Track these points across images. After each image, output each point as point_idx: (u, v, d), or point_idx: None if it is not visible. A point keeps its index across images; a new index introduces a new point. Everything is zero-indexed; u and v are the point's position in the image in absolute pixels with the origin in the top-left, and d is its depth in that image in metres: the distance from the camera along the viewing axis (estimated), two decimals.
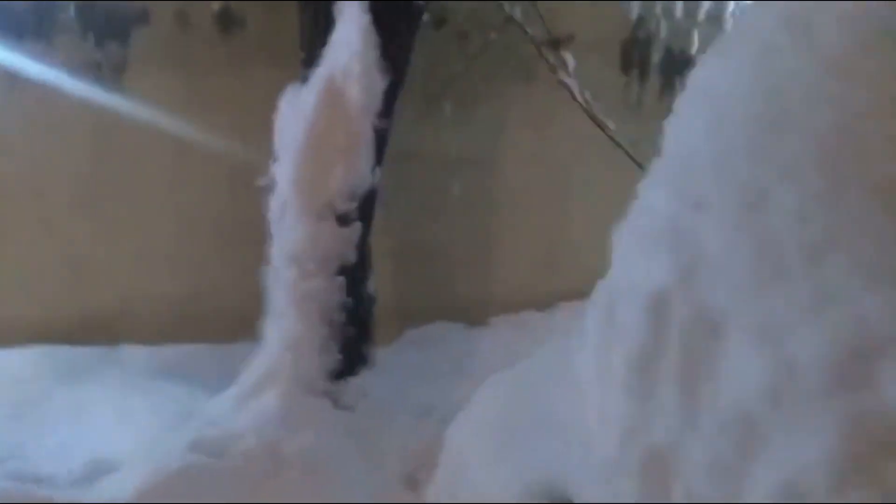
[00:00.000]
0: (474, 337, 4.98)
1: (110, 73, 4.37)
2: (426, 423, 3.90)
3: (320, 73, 3.45)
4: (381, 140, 3.56)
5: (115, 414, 3.45)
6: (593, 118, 4.12)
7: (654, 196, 1.87)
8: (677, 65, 5.36)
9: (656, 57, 5.27)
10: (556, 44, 4.37)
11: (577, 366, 1.84)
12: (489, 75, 4.66)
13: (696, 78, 1.92)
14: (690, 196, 1.68)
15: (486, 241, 5.17)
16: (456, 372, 4.55)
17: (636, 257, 1.83)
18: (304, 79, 3.57)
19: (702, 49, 5.42)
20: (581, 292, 5.43)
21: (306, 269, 3.46)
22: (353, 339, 3.62)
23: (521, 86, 4.85)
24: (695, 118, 1.78)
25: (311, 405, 3.41)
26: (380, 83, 3.45)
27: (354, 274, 3.59)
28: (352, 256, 3.55)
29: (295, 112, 3.53)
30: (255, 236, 3.76)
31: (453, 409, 4.05)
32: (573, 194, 5.27)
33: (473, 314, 5.08)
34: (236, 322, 4.22)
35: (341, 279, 3.52)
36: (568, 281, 5.36)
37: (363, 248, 3.62)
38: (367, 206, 3.57)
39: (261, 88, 3.86)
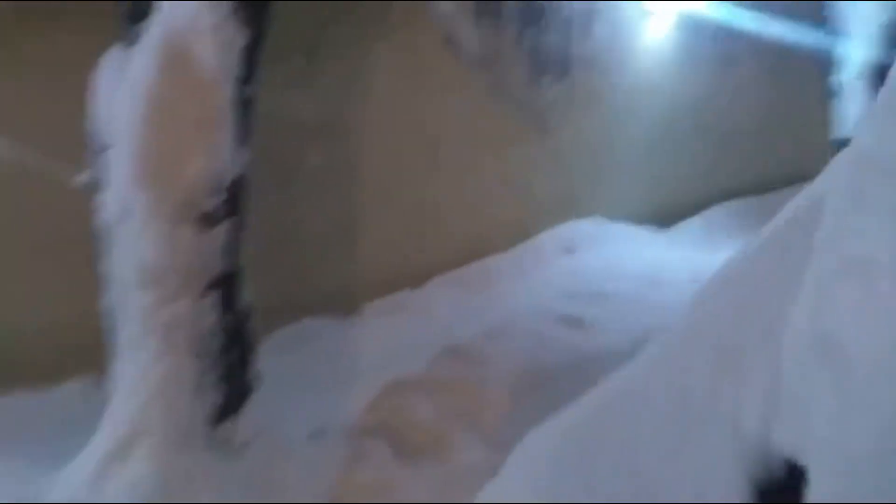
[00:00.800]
0: (349, 330, 4.38)
1: None
2: (324, 449, 3.31)
3: (157, 29, 2.60)
4: (246, 112, 2.79)
5: None
6: (489, 76, 3.61)
7: None
8: (531, 14, 5.00)
9: (511, 6, 4.85)
10: None
11: None
12: (343, 27, 3.95)
13: None
14: None
15: (347, 218, 4.53)
16: (338, 376, 3.96)
17: None
18: (131, 38, 2.68)
19: None
20: (454, 262, 5.06)
21: (166, 290, 2.66)
22: (234, 364, 2.88)
23: (378, 40, 4.19)
24: None
25: (196, 460, 2.67)
26: (239, 39, 2.68)
27: (228, 285, 2.83)
28: (223, 264, 2.79)
29: (123, 83, 2.65)
30: (75, 249, 2.87)
31: (348, 427, 3.52)
32: (440, 158, 4.76)
33: (342, 303, 4.46)
34: (57, 360, 3.31)
35: (213, 295, 2.75)
36: (439, 251, 4.93)
37: (236, 251, 2.86)
38: (236, 197, 2.80)
39: (66, 52, 2.88)
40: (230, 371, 2.86)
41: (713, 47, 6.01)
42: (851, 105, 5.35)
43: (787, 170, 7.24)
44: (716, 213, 6.69)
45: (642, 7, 5.60)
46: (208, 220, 2.71)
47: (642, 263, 5.25)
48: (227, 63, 2.67)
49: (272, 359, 3.95)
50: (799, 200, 1.42)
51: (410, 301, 4.64)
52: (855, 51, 5.34)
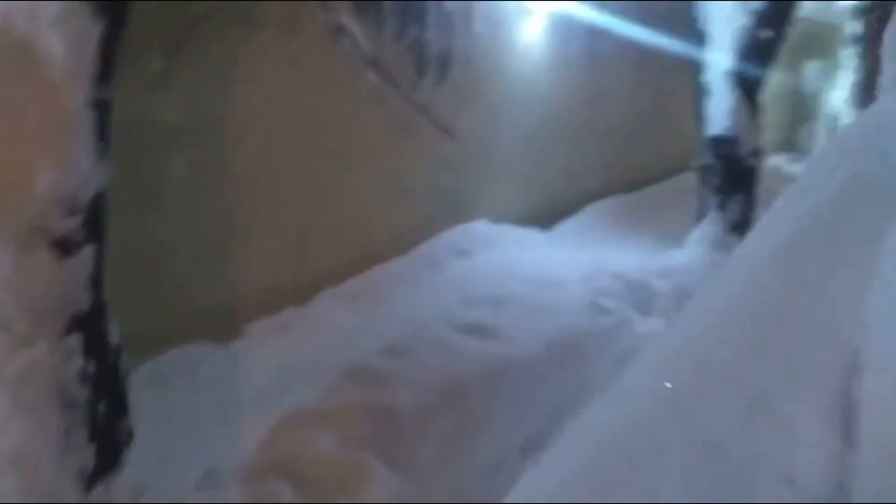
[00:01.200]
0: (230, 356, 3.96)
1: None
2: (217, 497, 2.93)
3: None
4: (103, 117, 2.37)
5: None
6: (385, 76, 3.32)
7: None
8: (412, 11, 4.78)
9: (392, 4, 4.60)
10: None
11: None
12: (212, 23, 3.52)
13: None
14: None
15: (222, 232, 4.10)
16: (225, 409, 3.56)
17: None
18: None
19: None
20: (340, 273, 4.74)
21: (16, 332, 2.20)
22: (105, 415, 2.45)
23: (252, 37, 3.79)
24: None
25: None
26: (93, 31, 2.26)
27: (93, 322, 2.40)
28: (86, 298, 2.35)
29: None
30: None
31: (242, 468, 3.12)
32: (320, 164, 4.43)
33: (221, 325, 4.03)
34: None
35: (76, 336, 2.32)
36: (324, 262, 4.59)
37: (100, 281, 2.42)
38: (96, 217, 2.37)
39: None
40: (101, 423, 2.43)
41: (586, 47, 6.07)
42: (719, 103, 5.56)
43: (657, 167, 7.48)
44: (589, 212, 6.77)
45: (520, 7, 5.53)
46: (65, 247, 2.27)
47: (532, 265, 5.18)
48: (80, 59, 2.24)
49: (147, 394, 3.46)
50: (803, 204, 1.25)
51: (298, 319, 4.28)
52: (718, 52, 5.55)
